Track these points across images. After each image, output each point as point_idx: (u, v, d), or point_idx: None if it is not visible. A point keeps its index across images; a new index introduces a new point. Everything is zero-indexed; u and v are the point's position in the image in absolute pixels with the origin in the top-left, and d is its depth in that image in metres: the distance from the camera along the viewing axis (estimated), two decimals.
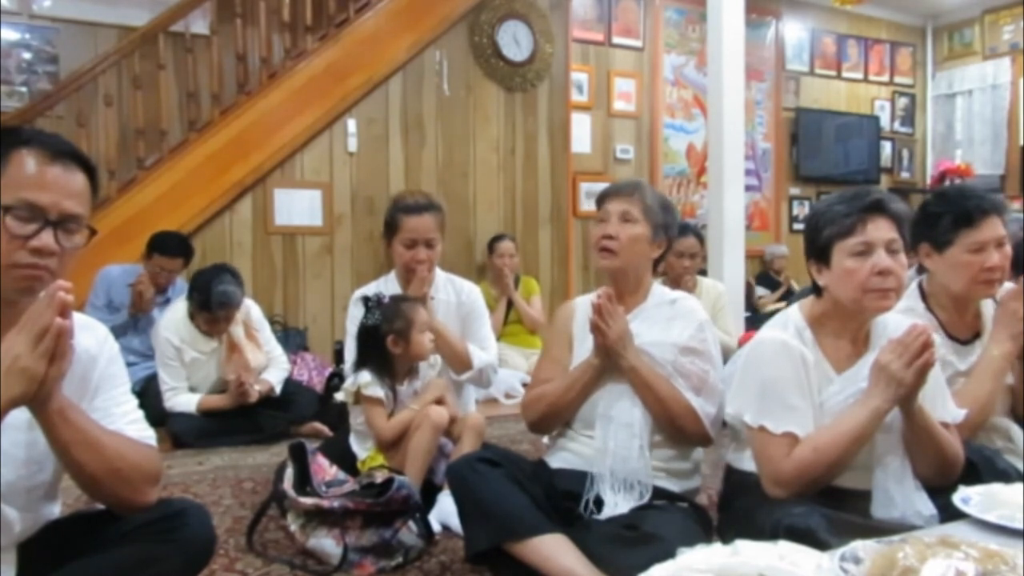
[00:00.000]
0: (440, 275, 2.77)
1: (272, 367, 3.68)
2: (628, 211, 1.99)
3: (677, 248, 3.75)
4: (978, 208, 1.94)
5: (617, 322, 1.89)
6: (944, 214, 1.97)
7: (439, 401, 2.45)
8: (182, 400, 3.47)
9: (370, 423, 2.45)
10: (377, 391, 2.42)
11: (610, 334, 1.88)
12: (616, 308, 1.91)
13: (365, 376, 2.43)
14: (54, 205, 1.25)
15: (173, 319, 3.53)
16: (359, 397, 2.45)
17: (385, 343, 2.43)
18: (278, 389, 3.63)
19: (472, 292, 2.80)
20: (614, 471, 1.85)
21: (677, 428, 1.90)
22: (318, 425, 3.59)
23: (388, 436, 2.40)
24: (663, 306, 2.02)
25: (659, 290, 2.08)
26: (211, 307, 3.40)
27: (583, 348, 1.99)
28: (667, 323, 1.98)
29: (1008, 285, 2.02)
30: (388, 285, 2.70)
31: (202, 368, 3.54)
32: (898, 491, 1.61)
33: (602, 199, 2.06)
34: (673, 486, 1.91)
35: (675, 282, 3.76)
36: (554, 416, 2.01)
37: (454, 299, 2.75)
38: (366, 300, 2.52)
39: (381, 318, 2.45)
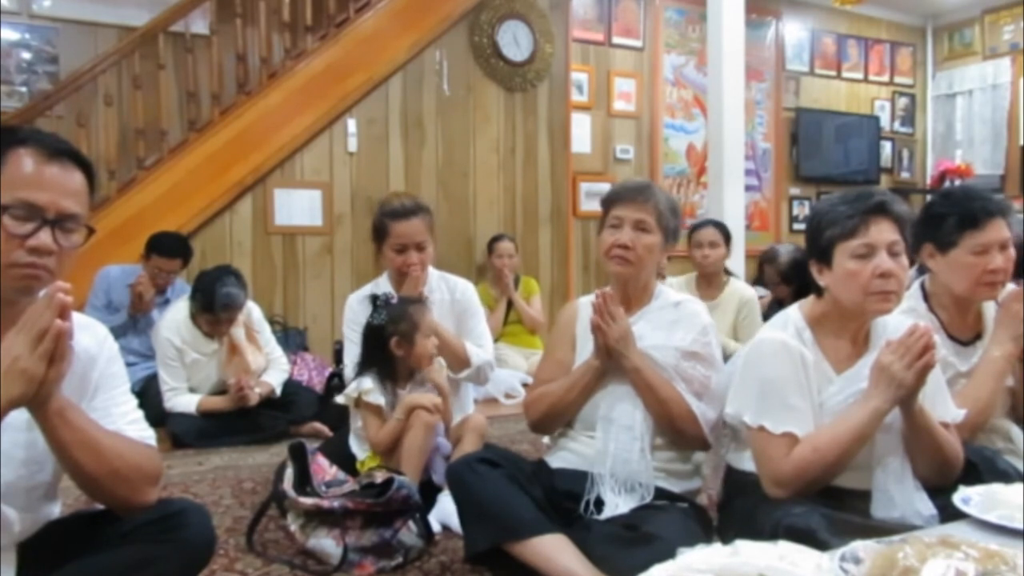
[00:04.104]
0: (433, 274, 2.76)
1: (272, 368, 3.68)
2: (643, 220, 1.96)
3: (696, 239, 4.01)
4: (983, 210, 1.93)
5: (618, 322, 1.88)
6: (948, 215, 1.97)
7: (426, 407, 2.39)
8: (182, 401, 3.47)
9: (365, 431, 2.46)
10: (378, 398, 2.41)
11: (611, 334, 1.87)
12: (617, 309, 1.90)
13: (367, 383, 2.42)
14: (52, 204, 1.25)
15: (174, 320, 3.53)
16: (359, 402, 2.44)
17: (388, 344, 2.43)
18: (278, 391, 3.64)
19: (466, 290, 2.79)
20: (615, 473, 1.84)
21: (677, 431, 1.90)
22: (318, 425, 3.59)
23: (380, 448, 2.41)
24: (667, 309, 2.01)
25: (664, 292, 2.07)
26: (215, 309, 3.40)
27: (586, 349, 1.98)
28: (670, 326, 1.97)
29: (1010, 286, 2.01)
30: (381, 288, 2.68)
31: (203, 369, 3.54)
32: (898, 491, 1.61)
33: (613, 202, 2.01)
34: (674, 487, 1.91)
35: (701, 274, 4.03)
36: (555, 416, 2.00)
37: (448, 297, 2.74)
38: (375, 299, 2.51)
39: (386, 318, 2.44)
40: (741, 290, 4.00)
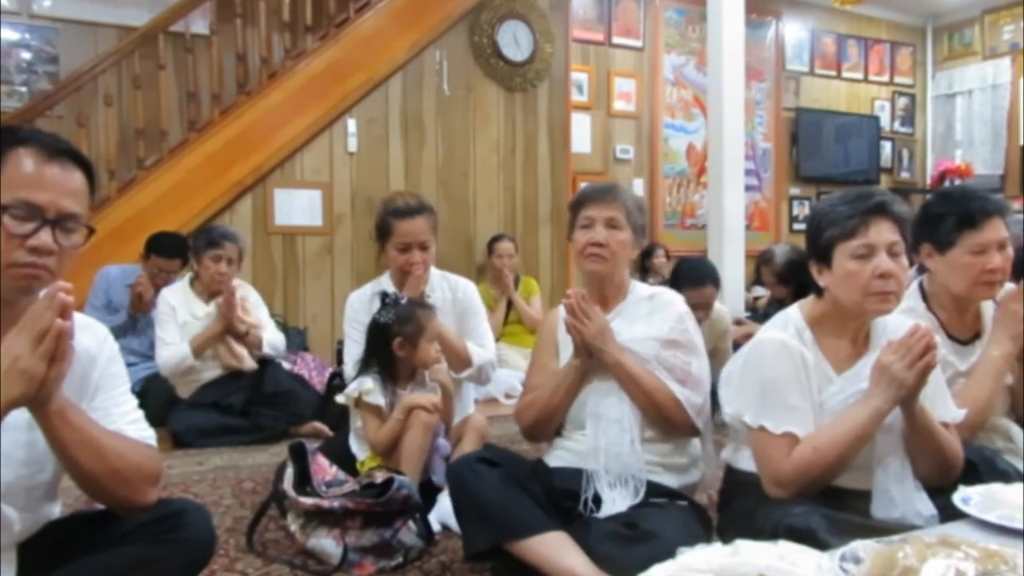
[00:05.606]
0: (435, 273, 2.76)
1: (268, 332, 3.72)
2: (614, 217, 2.00)
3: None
4: (981, 210, 1.94)
5: (593, 320, 1.91)
6: (947, 215, 1.97)
7: (424, 407, 2.38)
8: (174, 351, 3.49)
9: (364, 431, 2.46)
10: (378, 399, 2.40)
11: (587, 332, 1.90)
12: (591, 306, 1.92)
13: (367, 383, 2.41)
14: (52, 204, 1.25)
15: (175, 286, 3.70)
16: (359, 402, 2.44)
17: (391, 344, 2.43)
18: (265, 348, 3.64)
19: (467, 289, 2.79)
20: (608, 467, 1.86)
21: (664, 419, 1.92)
22: (318, 425, 3.59)
23: (379, 448, 2.41)
24: (642, 302, 2.05)
25: (638, 287, 2.10)
26: (215, 239, 3.54)
27: (568, 352, 2.00)
28: (648, 318, 2.01)
29: (1009, 286, 2.02)
30: (383, 287, 2.68)
31: (192, 332, 3.56)
32: (898, 491, 1.61)
33: (583, 203, 2.05)
34: (671, 481, 1.92)
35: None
36: (546, 420, 2.02)
37: (450, 296, 2.74)
38: (384, 296, 2.51)
39: (393, 318, 2.44)
40: (718, 318, 3.72)
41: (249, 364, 3.61)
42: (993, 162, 7.64)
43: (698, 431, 1.97)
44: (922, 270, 2.14)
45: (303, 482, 2.18)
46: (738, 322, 4.49)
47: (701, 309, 3.55)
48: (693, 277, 3.54)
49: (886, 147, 7.96)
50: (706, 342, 3.41)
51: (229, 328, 3.52)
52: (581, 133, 6.28)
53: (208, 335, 3.52)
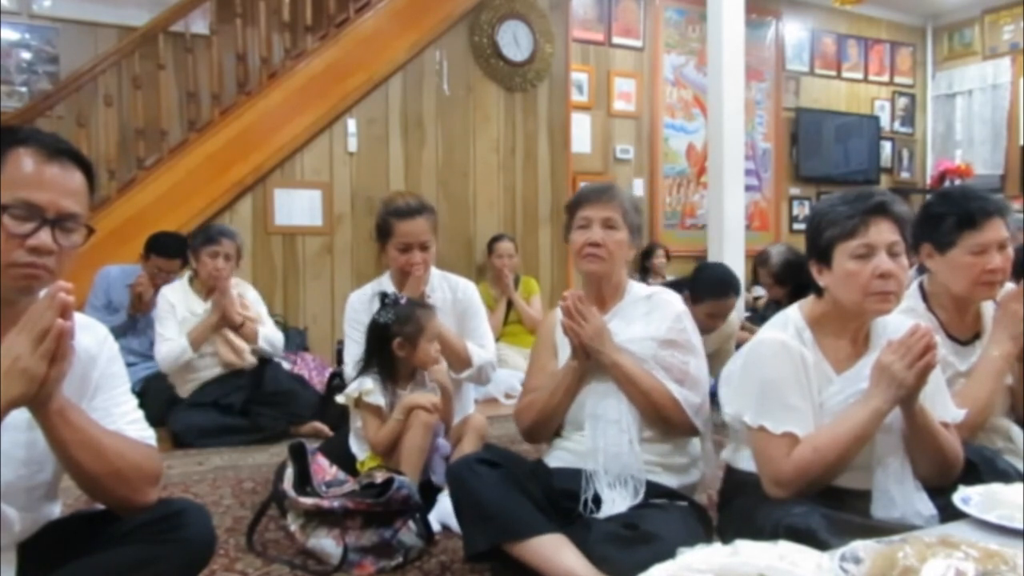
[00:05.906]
0: (435, 274, 2.77)
1: (266, 327, 3.72)
2: (611, 217, 2.01)
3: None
4: (981, 210, 1.94)
5: (590, 321, 1.91)
6: (947, 215, 1.97)
7: (424, 407, 2.39)
8: (173, 346, 3.50)
9: (364, 431, 2.46)
10: (378, 399, 2.40)
11: (583, 333, 1.90)
12: (588, 308, 1.93)
13: (367, 383, 2.42)
14: (52, 204, 1.25)
15: (174, 284, 3.72)
16: (359, 403, 2.44)
17: (391, 344, 2.43)
18: (261, 341, 3.63)
19: (468, 289, 2.79)
20: (607, 468, 1.86)
21: (663, 419, 1.92)
22: (318, 425, 3.59)
23: (379, 448, 2.41)
24: (640, 302, 2.05)
25: (635, 287, 2.11)
26: (212, 236, 3.56)
27: (566, 353, 2.01)
28: (645, 318, 2.01)
29: (1009, 286, 2.02)
30: (383, 287, 2.68)
31: (190, 327, 3.56)
32: (898, 491, 1.61)
33: (580, 204, 2.06)
34: (671, 481, 1.92)
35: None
36: (545, 421, 2.02)
37: (450, 296, 2.74)
38: (383, 296, 2.52)
39: (393, 318, 2.44)
40: (730, 326, 3.68)
41: (249, 360, 3.61)
42: (993, 162, 7.63)
43: (697, 431, 1.98)
44: (922, 270, 2.14)
45: (303, 482, 2.18)
46: (744, 328, 4.47)
47: (720, 319, 3.49)
48: (717, 289, 3.43)
49: (886, 147, 7.97)
50: (712, 344, 3.39)
51: (225, 318, 3.52)
52: (581, 133, 6.28)
53: (205, 326, 3.52)
